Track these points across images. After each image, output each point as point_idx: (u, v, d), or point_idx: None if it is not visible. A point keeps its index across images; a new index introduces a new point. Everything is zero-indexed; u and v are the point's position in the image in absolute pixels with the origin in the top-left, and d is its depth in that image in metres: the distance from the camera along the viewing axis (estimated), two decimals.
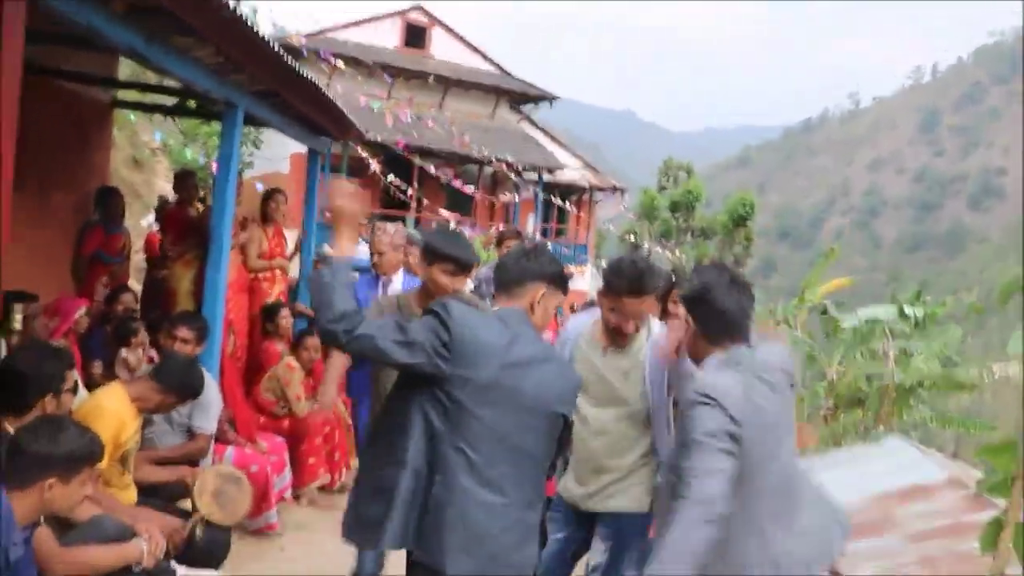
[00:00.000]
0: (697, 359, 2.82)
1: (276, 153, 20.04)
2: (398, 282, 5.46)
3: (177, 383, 3.96)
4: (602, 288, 3.44)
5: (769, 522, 2.65)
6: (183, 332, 4.76)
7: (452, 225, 14.55)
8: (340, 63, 12.97)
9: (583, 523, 3.53)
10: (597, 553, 3.47)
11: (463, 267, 3.41)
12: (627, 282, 3.29)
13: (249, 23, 4.06)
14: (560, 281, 2.81)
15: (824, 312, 12.30)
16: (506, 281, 2.78)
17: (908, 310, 10.47)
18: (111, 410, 3.72)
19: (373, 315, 3.13)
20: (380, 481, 2.55)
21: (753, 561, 2.63)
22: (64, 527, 3.22)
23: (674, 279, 4.66)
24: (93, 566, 3.08)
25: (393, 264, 5.55)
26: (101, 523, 3.25)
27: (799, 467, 2.87)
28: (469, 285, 7.64)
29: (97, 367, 5.27)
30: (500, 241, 8.10)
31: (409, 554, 2.70)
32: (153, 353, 5.33)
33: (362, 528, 2.58)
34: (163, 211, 7.49)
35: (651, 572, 2.41)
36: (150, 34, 3.84)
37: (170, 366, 4.04)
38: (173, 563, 3.48)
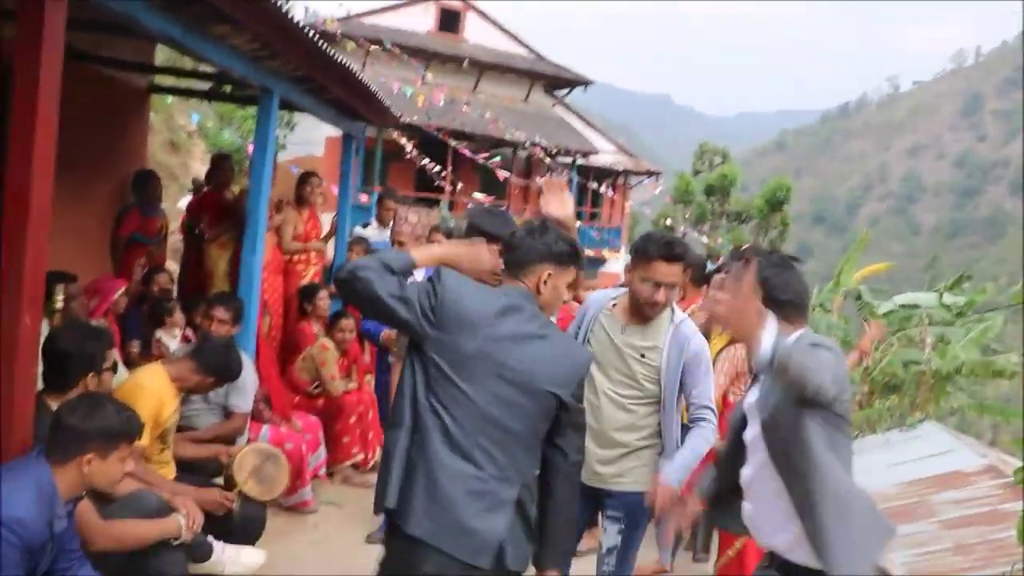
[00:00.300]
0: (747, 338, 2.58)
1: (310, 136, 20.20)
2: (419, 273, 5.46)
3: (215, 365, 4.04)
4: (632, 259, 3.43)
5: None
6: (220, 312, 4.86)
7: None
8: (372, 47, 12.96)
9: (588, 501, 3.47)
10: (610, 535, 3.47)
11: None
12: (659, 246, 3.29)
13: (284, 10, 4.12)
14: (569, 259, 2.75)
15: (859, 297, 12.20)
16: (512, 260, 2.73)
17: (948, 299, 10.38)
18: (151, 389, 3.81)
19: None
20: (386, 443, 2.59)
21: None
22: (105, 501, 3.31)
23: (710, 263, 4.63)
24: (133, 539, 3.18)
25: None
26: (141, 498, 3.35)
27: None
28: None
29: (135, 346, 5.38)
30: None
31: None
32: (189, 333, 5.44)
33: (376, 493, 2.58)
34: (198, 193, 7.59)
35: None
36: (187, 22, 3.90)
37: (209, 348, 4.12)
38: (210, 537, 3.57)
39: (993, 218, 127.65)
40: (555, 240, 2.73)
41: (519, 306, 2.62)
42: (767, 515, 2.70)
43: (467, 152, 16.60)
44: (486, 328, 2.53)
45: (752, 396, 2.81)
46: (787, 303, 2.69)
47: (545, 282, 2.68)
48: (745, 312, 2.49)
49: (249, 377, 4.69)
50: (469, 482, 2.48)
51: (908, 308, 10.60)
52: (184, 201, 10.55)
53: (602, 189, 20.46)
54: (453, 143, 15.86)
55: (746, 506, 2.79)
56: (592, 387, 3.36)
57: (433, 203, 19.40)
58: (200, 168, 15.54)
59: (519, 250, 2.72)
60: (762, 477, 2.69)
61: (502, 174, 15.39)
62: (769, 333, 2.44)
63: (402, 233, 4.75)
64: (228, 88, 8.67)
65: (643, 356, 3.39)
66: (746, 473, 2.78)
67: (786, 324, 2.62)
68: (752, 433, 2.76)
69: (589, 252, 21.55)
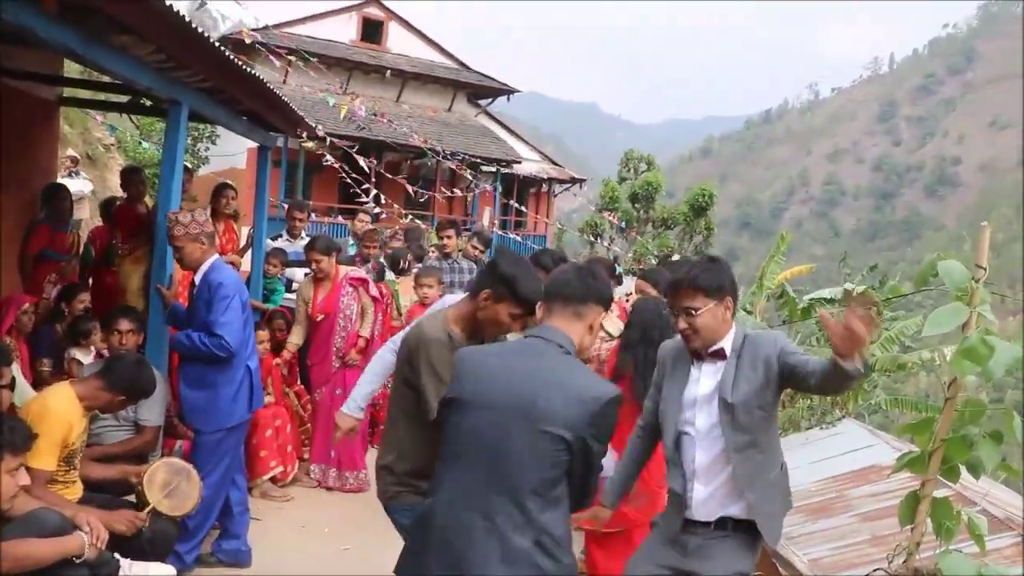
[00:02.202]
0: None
1: (232, 148, 19.93)
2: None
3: (126, 383, 3.97)
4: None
5: None
6: (123, 324, 4.79)
7: (407, 218, 14.53)
8: (292, 58, 12.88)
9: None
10: None
11: (531, 312, 3.04)
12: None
13: (188, 20, 4.08)
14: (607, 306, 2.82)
15: (781, 296, 12.50)
16: (568, 296, 2.68)
17: (850, 286, 10.76)
18: (58, 410, 3.73)
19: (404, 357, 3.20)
20: None
21: None
22: (2, 522, 3.24)
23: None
24: (33, 559, 3.10)
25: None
26: (40, 517, 3.27)
27: None
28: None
29: (46, 364, 5.27)
30: (440, 230, 8.26)
31: None
32: (105, 351, 5.34)
33: None
34: (110, 208, 7.45)
35: None
36: (87, 33, 3.83)
37: (119, 366, 4.04)
38: (117, 555, 3.51)
39: (909, 220, 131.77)
40: (606, 285, 2.81)
41: (542, 351, 2.66)
42: (720, 492, 3.07)
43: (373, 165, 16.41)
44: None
45: (702, 388, 3.10)
46: (735, 299, 3.16)
47: (598, 325, 2.76)
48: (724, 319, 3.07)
49: (160, 391, 4.62)
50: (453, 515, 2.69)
51: (819, 302, 10.95)
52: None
53: (525, 199, 20.55)
54: (362, 160, 15.54)
55: (699, 488, 3.07)
56: None
57: (356, 213, 19.26)
58: (116, 181, 15.22)
59: (579, 288, 2.72)
60: (720, 461, 3.06)
61: (410, 188, 15.29)
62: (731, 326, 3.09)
63: (175, 237, 4.56)
64: (145, 101, 8.53)
65: None
66: (702, 460, 3.07)
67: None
68: (708, 422, 3.07)
69: None
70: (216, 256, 4.66)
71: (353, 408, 3.83)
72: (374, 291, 6.75)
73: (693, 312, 3.02)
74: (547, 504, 2.46)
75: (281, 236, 8.21)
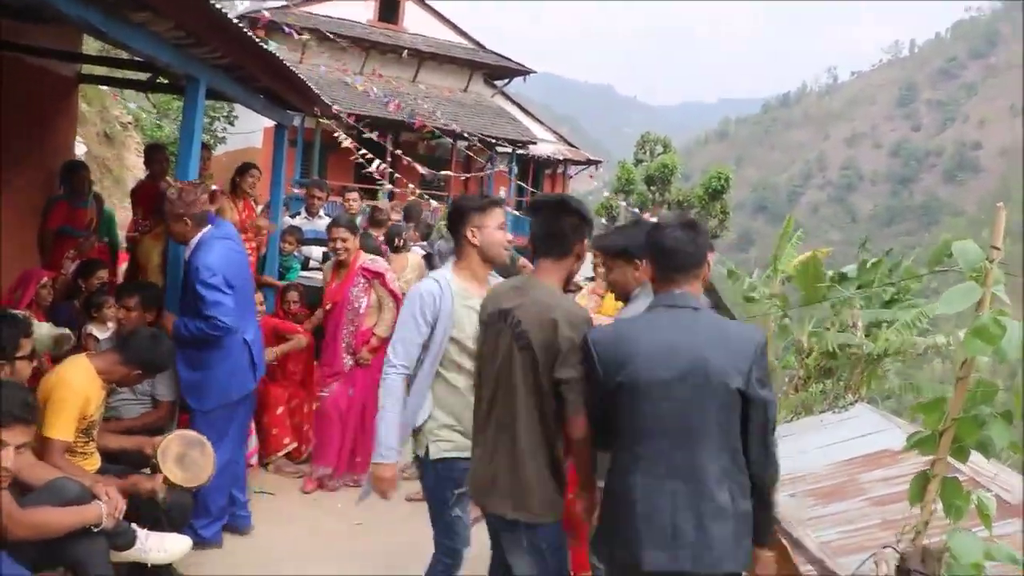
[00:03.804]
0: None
1: (249, 127, 19.99)
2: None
3: (142, 357, 4.03)
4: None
5: None
6: (129, 301, 4.81)
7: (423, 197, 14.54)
8: (307, 36, 12.88)
9: None
10: None
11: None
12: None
13: None
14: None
15: (789, 280, 12.45)
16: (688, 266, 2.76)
17: (870, 269, 10.71)
18: (76, 383, 3.79)
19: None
20: None
21: None
22: (23, 490, 3.30)
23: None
24: (52, 527, 3.16)
25: None
26: (60, 486, 3.33)
27: None
28: (417, 256, 7.54)
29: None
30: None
31: None
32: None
33: None
34: (135, 187, 7.51)
35: None
36: (107, 9, 3.85)
37: (135, 340, 4.10)
38: (134, 525, 3.56)
39: (927, 205, 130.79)
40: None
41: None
42: None
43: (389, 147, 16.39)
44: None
45: None
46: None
47: None
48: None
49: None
50: None
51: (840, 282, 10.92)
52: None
53: (541, 180, 20.49)
54: (377, 139, 15.49)
55: None
56: None
57: (372, 193, 19.29)
58: (136, 160, 15.30)
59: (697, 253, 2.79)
60: None
61: (424, 171, 15.23)
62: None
63: (164, 213, 4.53)
64: (163, 79, 8.56)
65: None
66: None
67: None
68: None
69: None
70: (203, 232, 4.59)
71: (391, 455, 3.43)
72: (394, 285, 6.15)
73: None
74: (734, 454, 2.61)
75: (299, 214, 8.26)
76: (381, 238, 7.64)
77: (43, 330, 4.44)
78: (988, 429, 2.77)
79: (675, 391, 2.57)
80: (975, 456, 2.98)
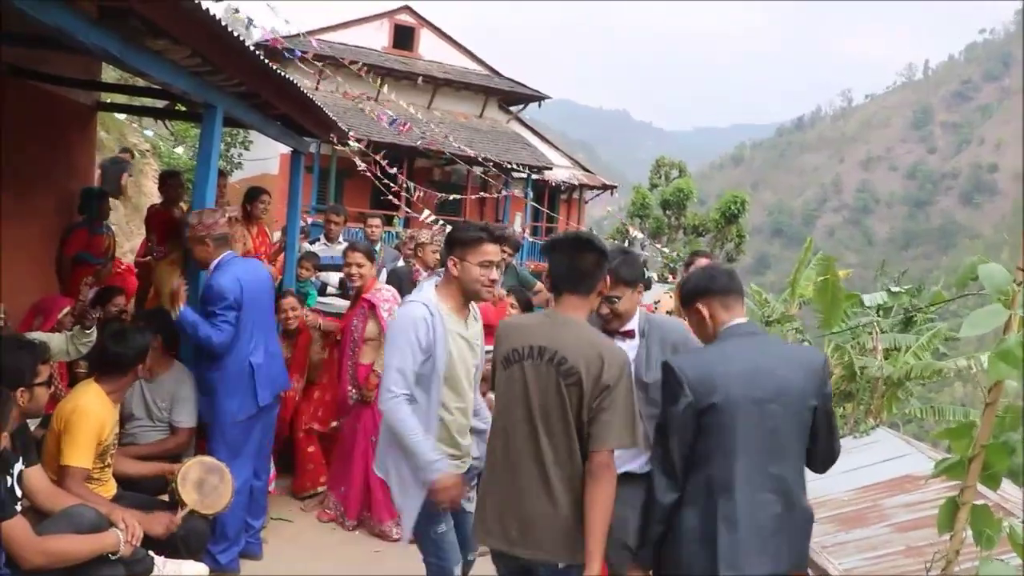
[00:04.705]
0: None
1: (265, 153, 20.13)
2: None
3: (119, 360, 3.99)
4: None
5: None
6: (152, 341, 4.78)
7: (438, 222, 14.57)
8: (324, 65, 12.97)
9: None
10: None
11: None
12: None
13: (223, 24, 4.12)
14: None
15: (807, 303, 12.38)
16: (738, 290, 3.08)
17: (894, 290, 10.64)
18: (92, 410, 3.78)
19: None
20: None
21: None
22: (39, 517, 3.28)
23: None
24: (68, 555, 3.14)
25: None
26: (77, 513, 3.31)
27: None
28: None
29: (82, 366, 5.32)
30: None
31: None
32: None
33: None
34: (148, 212, 7.55)
35: None
36: (124, 37, 3.88)
37: (105, 351, 4.06)
38: (151, 552, 3.54)
39: (944, 228, 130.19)
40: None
41: None
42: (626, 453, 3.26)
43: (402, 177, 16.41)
44: None
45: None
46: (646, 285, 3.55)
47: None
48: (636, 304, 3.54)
49: (192, 392, 4.66)
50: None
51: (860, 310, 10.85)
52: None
53: (556, 205, 20.49)
54: (388, 168, 15.44)
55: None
56: None
57: (388, 220, 19.37)
58: (153, 187, 15.40)
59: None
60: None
61: (442, 194, 15.23)
62: None
63: (185, 238, 4.61)
64: (180, 106, 8.63)
65: None
66: None
67: None
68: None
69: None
70: (224, 256, 4.62)
71: (442, 464, 3.31)
72: (388, 315, 5.65)
73: (616, 300, 3.40)
74: (802, 463, 2.91)
75: (318, 240, 8.27)
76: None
77: (55, 340, 4.44)
78: (1018, 456, 2.72)
79: (767, 410, 2.79)
80: (1003, 483, 2.93)
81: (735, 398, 2.78)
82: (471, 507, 3.54)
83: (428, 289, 3.54)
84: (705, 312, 3.04)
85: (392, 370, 3.33)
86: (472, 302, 3.59)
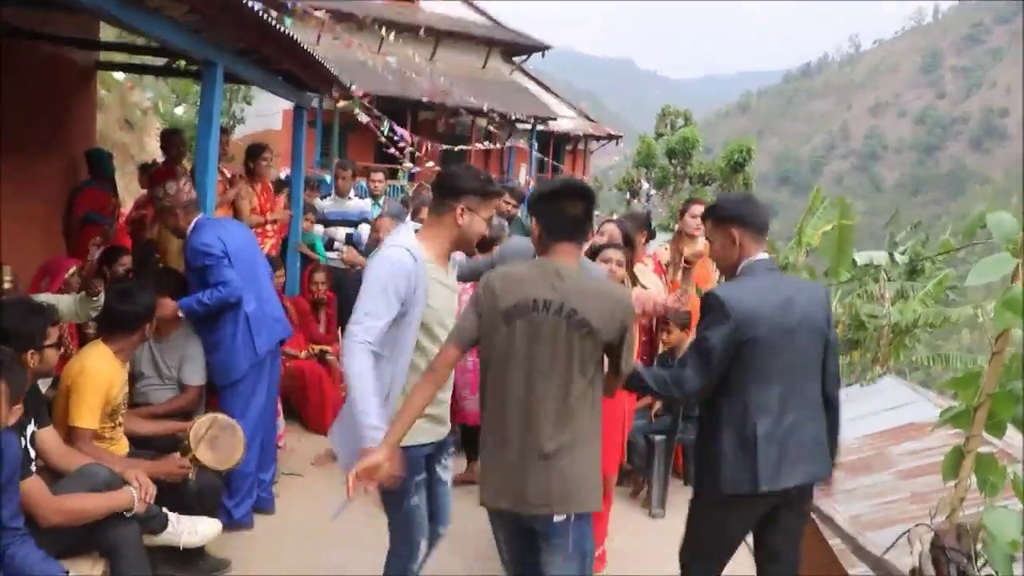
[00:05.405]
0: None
1: (268, 109, 19.97)
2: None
3: (128, 317, 4.00)
4: None
5: None
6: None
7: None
8: (322, 15, 12.81)
9: None
10: None
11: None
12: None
13: None
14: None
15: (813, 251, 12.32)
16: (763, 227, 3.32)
17: (897, 257, 10.58)
18: (99, 371, 3.80)
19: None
20: None
21: None
22: (54, 476, 3.33)
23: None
24: (84, 513, 3.19)
25: None
26: (91, 471, 3.36)
27: None
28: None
29: (91, 327, 5.35)
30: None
31: None
32: None
33: None
34: (150, 171, 7.52)
35: None
36: None
37: (112, 310, 4.07)
38: (165, 509, 3.59)
39: (954, 173, 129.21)
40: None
41: None
42: None
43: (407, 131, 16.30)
44: None
45: None
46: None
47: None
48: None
49: (200, 351, 4.69)
50: None
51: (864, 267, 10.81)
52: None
53: (562, 155, 20.37)
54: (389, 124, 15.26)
55: None
56: None
57: (392, 173, 19.28)
58: (156, 145, 15.36)
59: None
60: None
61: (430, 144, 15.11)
62: None
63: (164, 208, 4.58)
64: (181, 64, 8.56)
65: None
66: None
67: None
68: None
69: None
70: (198, 218, 4.61)
71: (378, 434, 2.90)
72: None
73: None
74: (819, 385, 3.25)
75: (329, 195, 8.26)
76: None
77: (64, 302, 4.46)
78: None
79: (797, 338, 3.11)
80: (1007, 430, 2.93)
81: (773, 331, 3.07)
82: (447, 476, 3.48)
83: (407, 233, 3.22)
84: (738, 239, 3.22)
85: (364, 316, 3.00)
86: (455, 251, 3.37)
